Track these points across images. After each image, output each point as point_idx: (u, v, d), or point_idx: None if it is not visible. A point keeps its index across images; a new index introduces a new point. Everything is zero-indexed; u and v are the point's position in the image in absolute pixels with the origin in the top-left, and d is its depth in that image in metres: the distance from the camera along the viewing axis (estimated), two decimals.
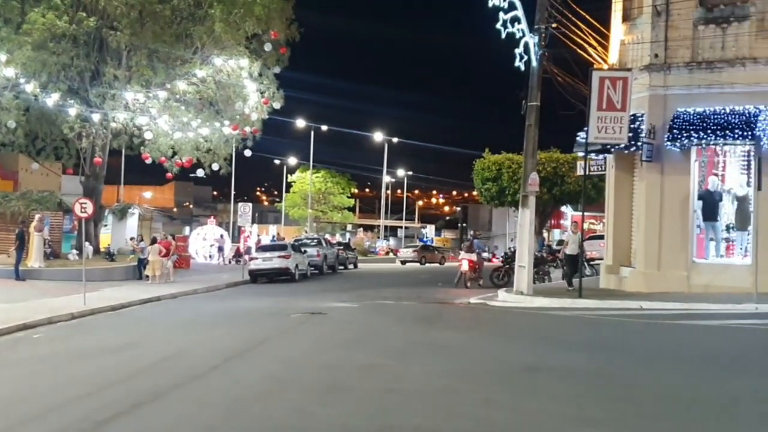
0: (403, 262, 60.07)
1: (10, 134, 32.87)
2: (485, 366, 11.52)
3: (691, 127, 20.66)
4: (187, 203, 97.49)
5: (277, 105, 38.19)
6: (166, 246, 31.31)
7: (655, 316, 17.17)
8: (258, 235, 59.58)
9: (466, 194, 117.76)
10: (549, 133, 30.06)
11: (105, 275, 29.91)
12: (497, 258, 45.10)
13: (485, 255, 32.20)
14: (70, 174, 42.04)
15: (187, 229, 70.24)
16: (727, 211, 21.52)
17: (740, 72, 20.71)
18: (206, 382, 10.62)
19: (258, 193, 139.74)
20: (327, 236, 60.32)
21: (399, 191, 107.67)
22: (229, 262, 49.77)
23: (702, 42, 21.29)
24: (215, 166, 38.60)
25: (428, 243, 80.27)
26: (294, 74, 42.24)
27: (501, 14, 21.74)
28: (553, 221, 59.80)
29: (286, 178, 79.97)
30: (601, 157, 23.83)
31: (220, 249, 51.96)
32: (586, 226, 27.65)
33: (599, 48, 23.52)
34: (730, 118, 20.35)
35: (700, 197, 21.42)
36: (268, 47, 35.54)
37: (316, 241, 44.06)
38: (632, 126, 21.09)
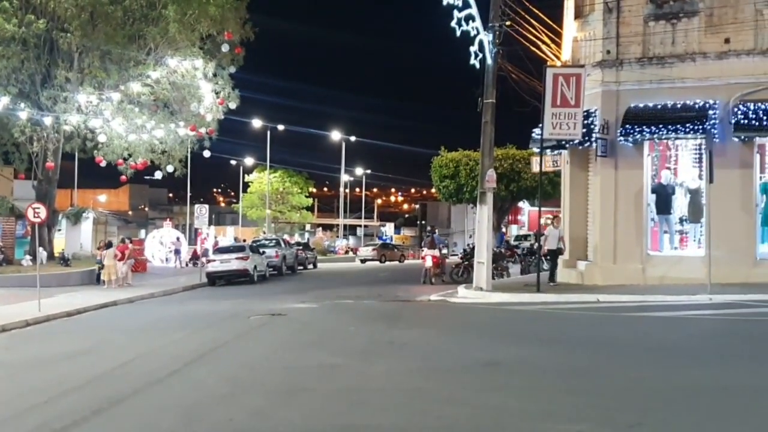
0: (363, 261, 60.11)
1: None
2: (447, 363, 11.55)
3: (643, 122, 20.95)
4: (143, 206, 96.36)
5: (232, 105, 37.94)
6: (122, 250, 30.95)
7: (613, 309, 17.37)
8: (215, 237, 59.14)
9: (424, 192, 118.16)
10: (505, 130, 30.32)
11: (60, 281, 29.50)
12: (455, 255, 45.22)
13: (444, 251, 32.31)
14: (22, 179, 41.38)
15: (143, 232, 69.47)
16: (680, 204, 21.89)
17: (690, 67, 21.05)
18: (166, 387, 10.52)
19: (215, 194, 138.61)
20: (285, 236, 60.05)
21: (357, 190, 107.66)
22: (186, 265, 49.34)
23: (653, 38, 21.59)
24: (170, 168, 38.27)
25: (388, 241, 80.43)
26: (249, 74, 42.10)
27: (455, 12, 21.79)
28: (510, 217, 60.23)
29: (243, 178, 79.48)
30: (556, 152, 24.08)
31: (177, 252, 51.49)
32: (542, 221, 27.85)
33: (552, 45, 23.77)
34: (681, 112, 20.67)
35: (653, 191, 21.74)
36: (225, 48, 35.30)
37: (274, 241, 43.82)
38: (586, 122, 21.33)
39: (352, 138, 79.60)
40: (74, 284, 30.06)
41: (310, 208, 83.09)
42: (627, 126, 21.07)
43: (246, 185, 78.27)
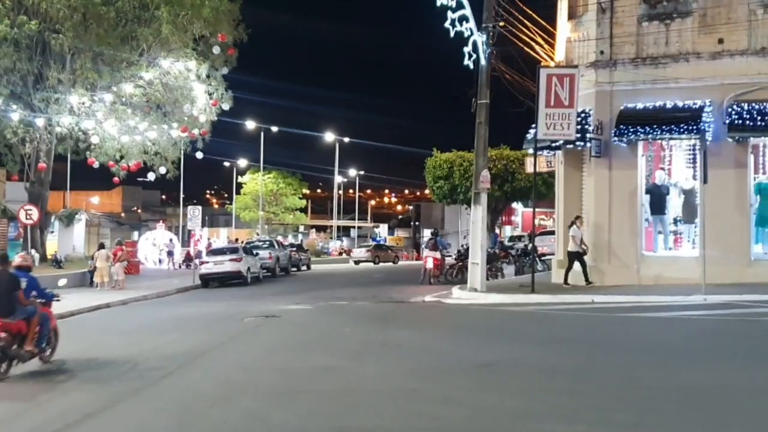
0: (357, 262, 60.00)
1: None
2: (442, 364, 11.52)
3: (637, 123, 20.92)
4: (136, 208, 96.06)
5: (225, 106, 37.85)
6: (116, 252, 30.83)
7: (607, 310, 17.36)
8: (209, 239, 59.01)
9: (418, 193, 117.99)
10: (499, 131, 30.30)
11: (52, 283, 29.29)
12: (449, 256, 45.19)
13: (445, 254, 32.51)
14: (15, 180, 41.24)
15: (136, 234, 69.25)
16: (675, 204, 21.86)
17: (684, 67, 21.04)
18: (160, 389, 10.46)
19: (208, 196, 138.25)
20: (279, 238, 59.95)
21: (351, 191, 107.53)
22: (180, 267, 49.21)
23: (646, 38, 21.57)
24: (163, 170, 38.16)
25: (381, 242, 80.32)
26: (242, 75, 41.98)
27: (449, 13, 21.80)
28: (504, 218, 60.21)
29: (237, 180, 79.36)
30: (550, 153, 24.06)
31: (170, 253, 51.35)
32: (536, 221, 27.84)
33: (546, 46, 23.73)
34: (675, 112, 20.63)
35: (647, 191, 21.72)
36: (216, 50, 35.20)
37: (268, 243, 43.71)
38: (580, 122, 21.29)
39: (346, 139, 79.53)
40: (67, 286, 29.89)
41: (303, 210, 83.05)
42: (621, 126, 21.04)
43: (239, 187, 78.17)
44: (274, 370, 11.50)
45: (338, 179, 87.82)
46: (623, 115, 21.20)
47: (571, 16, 23.33)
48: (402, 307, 21.14)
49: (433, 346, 13.45)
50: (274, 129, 69.39)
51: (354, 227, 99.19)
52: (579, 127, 21.12)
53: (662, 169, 21.98)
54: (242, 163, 77.81)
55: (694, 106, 20.47)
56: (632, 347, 12.49)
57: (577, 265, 21.46)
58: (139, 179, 47.35)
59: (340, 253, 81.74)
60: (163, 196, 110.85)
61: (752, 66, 20.40)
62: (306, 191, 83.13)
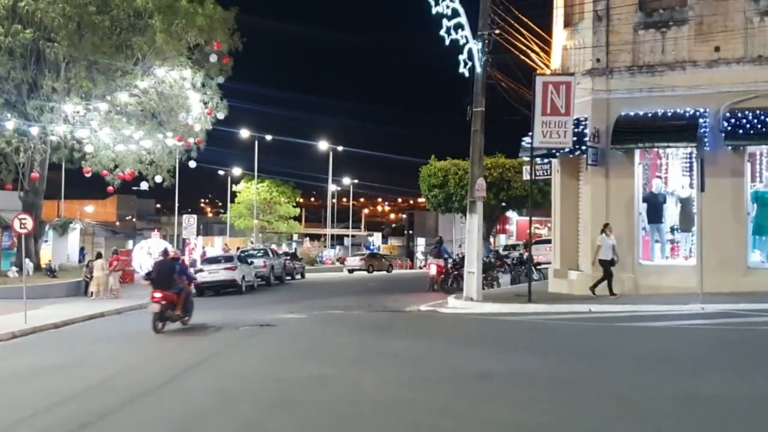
0: (351, 271, 59.87)
1: None
2: (439, 374, 11.42)
3: (634, 130, 20.88)
4: (130, 216, 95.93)
5: (221, 115, 37.79)
6: (112, 261, 30.71)
7: (605, 319, 17.28)
8: (203, 247, 58.77)
9: (411, 201, 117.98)
10: (495, 139, 30.29)
11: (47, 292, 29.19)
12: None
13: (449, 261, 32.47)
14: (9, 189, 41.04)
15: (130, 242, 69.01)
16: (672, 213, 21.83)
17: (680, 75, 21.01)
18: (155, 399, 10.34)
19: (202, 204, 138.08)
20: (273, 246, 59.76)
21: (345, 199, 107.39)
22: None
23: (642, 46, 21.56)
24: (158, 179, 38.07)
25: (375, 251, 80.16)
26: (237, 84, 41.89)
27: (444, 21, 21.74)
28: (499, 226, 60.17)
29: (231, 188, 79.21)
30: (546, 161, 24.01)
31: None
32: (532, 230, 27.78)
33: (542, 53, 23.72)
34: (671, 120, 20.60)
35: (644, 200, 21.68)
36: (213, 58, 35.15)
37: (262, 251, 43.59)
38: (576, 130, 21.26)
39: (340, 148, 79.47)
40: (61, 295, 29.76)
41: (297, 218, 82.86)
42: (618, 134, 20.99)
43: (234, 195, 78.00)
44: (271, 379, 11.39)
45: (332, 188, 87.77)
46: (620, 123, 21.16)
47: (567, 23, 23.33)
48: (397, 317, 21.04)
49: (430, 356, 13.36)
50: (269, 138, 69.37)
51: (348, 236, 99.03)
52: (575, 135, 21.09)
53: (659, 177, 21.94)
54: (237, 171, 77.71)
55: (690, 114, 20.44)
56: (630, 357, 12.41)
57: (591, 270, 21.14)
58: (133, 188, 47.16)
59: (333, 263, 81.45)
60: (158, 205, 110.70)
61: (748, 74, 20.38)
62: (300, 200, 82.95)
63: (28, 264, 30.97)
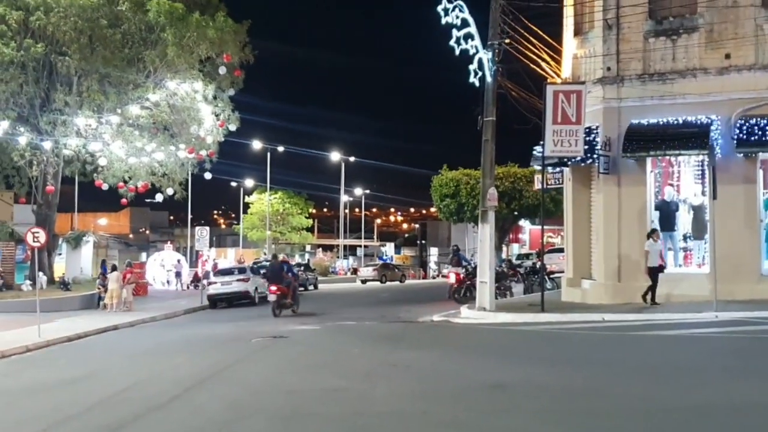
0: (364, 281, 59.84)
1: None
2: (451, 385, 11.36)
3: (645, 138, 20.84)
4: (144, 229, 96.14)
5: (233, 127, 37.91)
6: (126, 274, 30.83)
7: (618, 328, 17.19)
8: (215, 260, 58.86)
9: (424, 211, 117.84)
10: (506, 148, 30.30)
11: (60, 305, 29.30)
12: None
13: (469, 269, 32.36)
14: (23, 203, 41.25)
15: (144, 255, 69.22)
16: (684, 221, 21.75)
17: (692, 83, 20.96)
18: (166, 412, 10.34)
19: (215, 216, 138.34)
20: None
21: (357, 210, 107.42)
22: (188, 288, 49.10)
23: (653, 54, 21.53)
24: (171, 191, 38.20)
25: (388, 261, 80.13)
26: (249, 96, 42.14)
27: (454, 31, 21.76)
28: (512, 236, 60.10)
29: (243, 200, 79.36)
30: (558, 170, 23.97)
31: (178, 274, 51.27)
32: (544, 239, 27.68)
33: (552, 62, 23.69)
34: (683, 128, 20.55)
35: (656, 207, 21.61)
36: (222, 71, 35.30)
37: None
38: (588, 139, 21.22)
39: (351, 158, 79.61)
40: (75, 308, 29.85)
41: (310, 229, 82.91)
42: (629, 142, 20.95)
43: (246, 207, 78.16)
44: (283, 392, 11.36)
45: (344, 198, 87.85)
46: (631, 131, 21.11)
47: (577, 32, 23.31)
48: (410, 327, 20.98)
49: (443, 367, 13.30)
50: (281, 149, 69.56)
51: (360, 246, 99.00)
52: (587, 143, 21.05)
53: (671, 185, 21.88)
54: (249, 183, 77.91)
55: (702, 122, 20.38)
56: (645, 366, 12.32)
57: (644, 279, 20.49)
58: (147, 200, 47.33)
59: (346, 273, 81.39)
60: (171, 217, 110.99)
61: (760, 81, 20.34)
62: (312, 210, 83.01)
63: (42, 277, 31.08)
